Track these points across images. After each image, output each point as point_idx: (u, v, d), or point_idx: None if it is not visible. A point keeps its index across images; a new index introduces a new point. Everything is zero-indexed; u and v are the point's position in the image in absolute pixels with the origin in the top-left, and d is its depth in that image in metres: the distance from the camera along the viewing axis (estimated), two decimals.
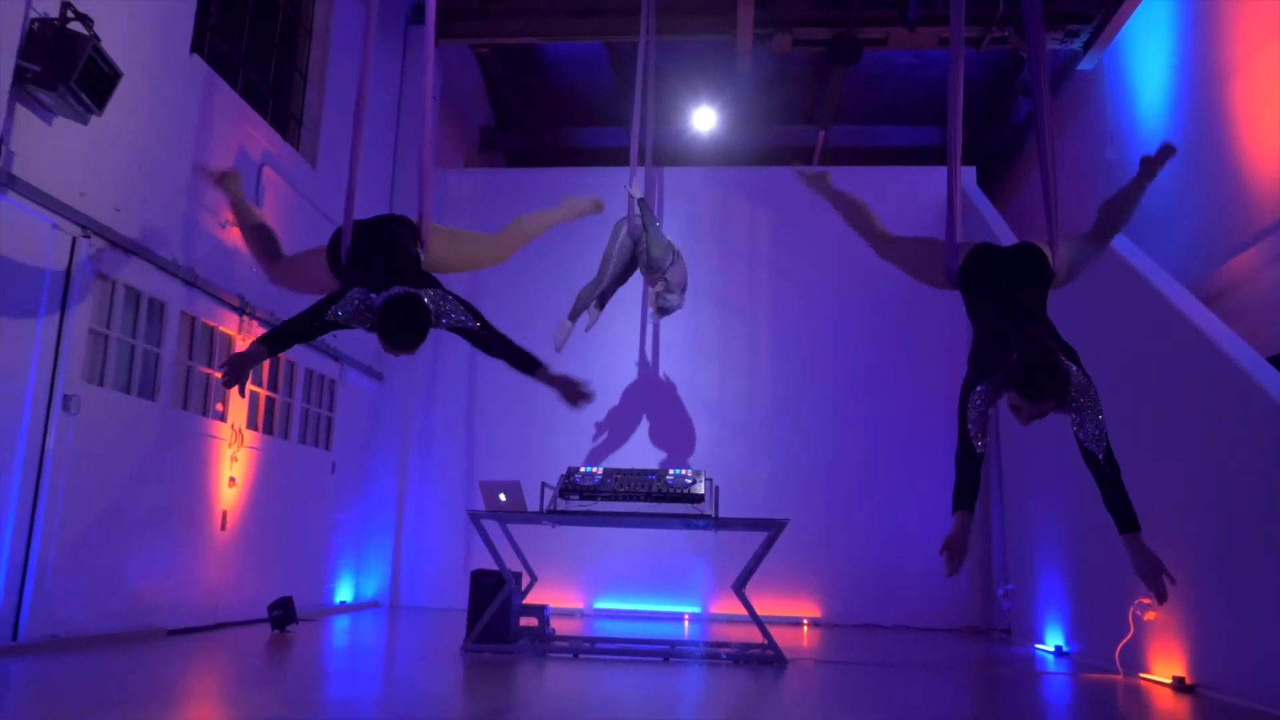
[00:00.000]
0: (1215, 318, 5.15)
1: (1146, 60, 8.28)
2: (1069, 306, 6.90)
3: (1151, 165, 3.99)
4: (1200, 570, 4.88)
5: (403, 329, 3.64)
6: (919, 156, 12.15)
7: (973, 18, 8.47)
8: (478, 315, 3.93)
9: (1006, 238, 8.40)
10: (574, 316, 7.33)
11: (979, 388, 3.40)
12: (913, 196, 8.93)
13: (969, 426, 3.39)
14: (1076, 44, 8.56)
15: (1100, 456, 3.35)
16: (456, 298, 3.91)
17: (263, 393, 7.29)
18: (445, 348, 9.63)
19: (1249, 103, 6.86)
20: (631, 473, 6.40)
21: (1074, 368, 3.35)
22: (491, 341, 3.94)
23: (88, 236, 5.25)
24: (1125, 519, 3.34)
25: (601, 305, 7.42)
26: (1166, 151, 3.99)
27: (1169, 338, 5.33)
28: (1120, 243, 6.12)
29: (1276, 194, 6.45)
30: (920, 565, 8.73)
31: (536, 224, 4.70)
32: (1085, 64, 8.79)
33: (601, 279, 7.27)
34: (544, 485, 6.24)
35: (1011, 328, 3.38)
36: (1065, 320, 6.73)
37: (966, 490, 3.38)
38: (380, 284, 3.73)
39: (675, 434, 9.15)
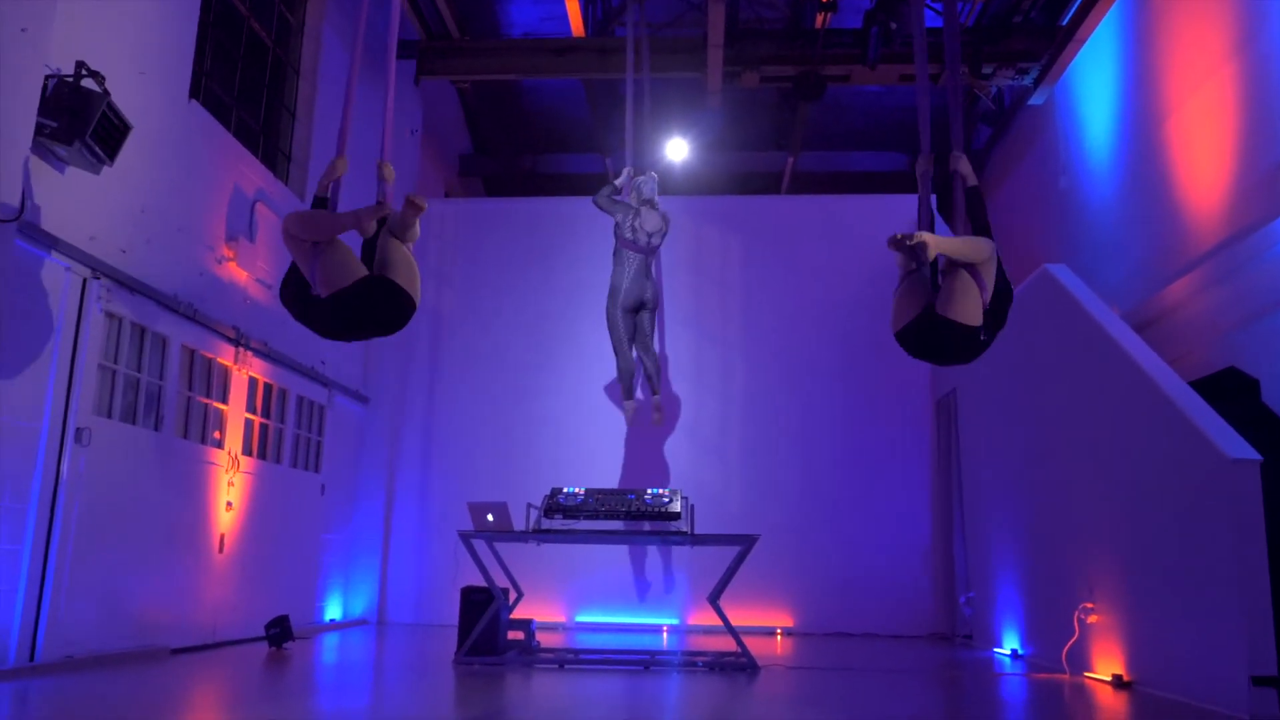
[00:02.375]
0: (1143, 343, 5.60)
1: (1093, 96, 8.80)
2: (1011, 333, 7.38)
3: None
4: (1134, 578, 5.32)
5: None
6: (885, 181, 12.66)
7: (930, 55, 8.94)
8: None
9: None
10: (628, 396, 7.94)
11: None
12: (882, 223, 9.37)
13: None
14: (1027, 80, 9.06)
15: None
16: None
17: (256, 419, 7.61)
18: (429, 371, 9.98)
19: (1184, 139, 7.37)
20: (612, 492, 6.77)
21: None
22: None
23: (98, 278, 5.57)
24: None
25: (629, 395, 7.96)
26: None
27: (1102, 362, 5.77)
28: (1059, 271, 6.59)
29: (1210, 225, 6.95)
30: (887, 576, 9.18)
31: None
32: (1036, 99, 9.30)
33: (621, 354, 7.78)
34: (529, 505, 6.59)
35: None
36: (1006, 349, 7.23)
37: None
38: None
39: (654, 454, 9.53)
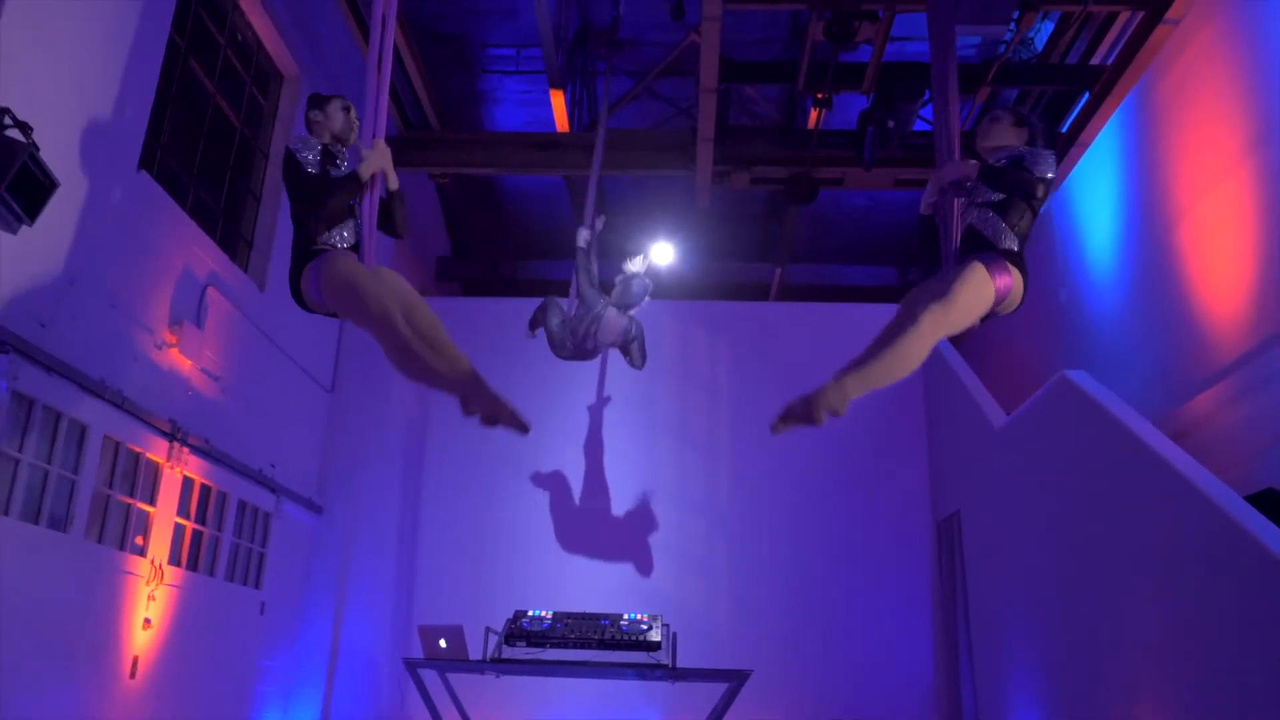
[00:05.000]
0: (1182, 450, 5.01)
1: (1097, 201, 8.47)
2: (1024, 447, 6.80)
3: None
4: (1181, 708, 4.56)
5: None
6: (876, 295, 12.28)
7: (927, 158, 8.66)
8: None
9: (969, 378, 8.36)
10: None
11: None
12: (873, 333, 8.87)
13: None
14: None
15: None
16: None
17: (189, 525, 6.82)
18: (391, 479, 9.22)
19: (1198, 245, 6.97)
20: (584, 617, 6.01)
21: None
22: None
23: (5, 351, 4.90)
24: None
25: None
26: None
27: (1137, 472, 5.15)
28: (1079, 377, 6.05)
29: (1232, 334, 6.47)
30: (889, 715, 8.28)
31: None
32: None
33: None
34: (488, 630, 5.80)
35: None
36: (1019, 465, 6.55)
37: None
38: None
39: (630, 573, 8.73)
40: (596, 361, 7.11)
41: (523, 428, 3.73)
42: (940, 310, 3.72)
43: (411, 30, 9.01)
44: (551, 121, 9.93)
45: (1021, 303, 4.07)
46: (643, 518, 8.99)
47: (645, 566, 8.74)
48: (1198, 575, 4.59)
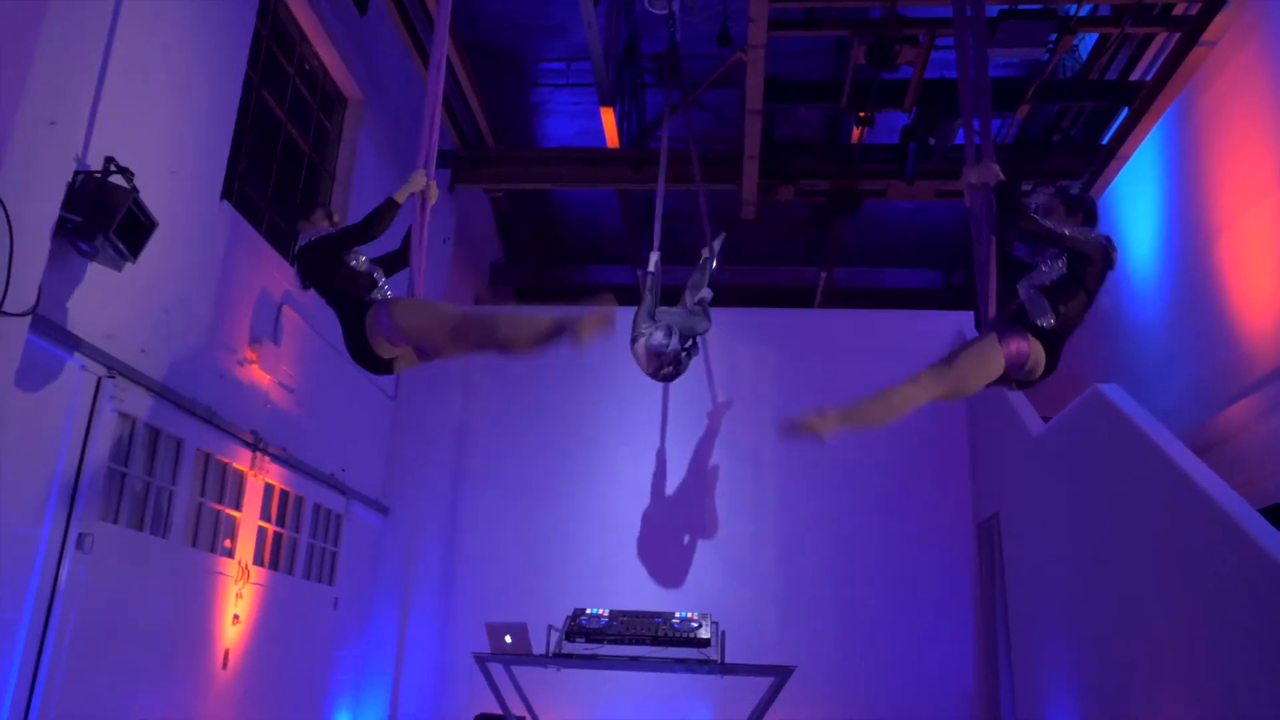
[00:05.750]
0: (1208, 469, 5.23)
1: (1136, 213, 8.62)
2: (1060, 455, 7.03)
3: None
4: (1201, 715, 4.82)
5: None
6: (920, 299, 12.49)
7: (959, 172, 8.86)
8: None
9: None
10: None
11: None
12: (917, 339, 9.13)
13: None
14: None
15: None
16: None
17: (270, 528, 7.32)
18: (452, 482, 9.69)
19: (1238, 258, 7.13)
20: (638, 615, 6.39)
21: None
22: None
23: (113, 377, 5.39)
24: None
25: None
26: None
27: (1164, 488, 5.39)
28: (1112, 390, 6.27)
29: (1269, 347, 6.64)
30: (929, 713, 8.56)
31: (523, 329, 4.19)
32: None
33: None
34: (550, 627, 6.21)
35: None
36: (1055, 472, 6.83)
37: None
38: None
39: (683, 572, 9.10)
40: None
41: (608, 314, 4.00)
42: (940, 369, 3.96)
43: (466, 48, 9.43)
44: (600, 131, 10.30)
45: (1045, 375, 4.14)
46: (691, 520, 9.36)
47: (696, 569, 9.11)
48: (1215, 587, 4.84)
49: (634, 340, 7.03)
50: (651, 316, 7.08)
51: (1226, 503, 4.83)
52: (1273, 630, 4.30)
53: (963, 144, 8.34)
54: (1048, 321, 4.08)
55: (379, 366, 4.57)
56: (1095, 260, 4.07)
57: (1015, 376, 4.18)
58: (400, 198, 4.56)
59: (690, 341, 7.09)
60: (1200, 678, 4.94)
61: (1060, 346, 4.17)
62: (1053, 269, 4.13)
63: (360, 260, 4.66)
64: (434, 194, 4.63)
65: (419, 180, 4.60)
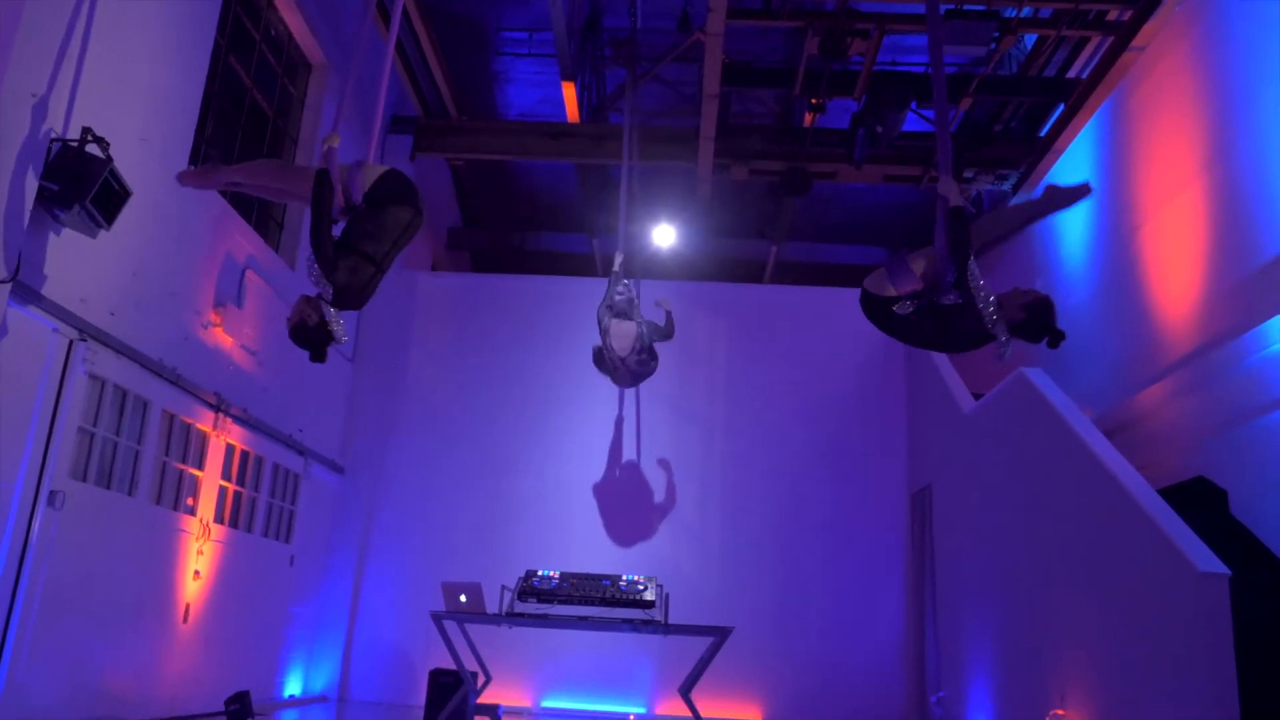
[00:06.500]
0: (1115, 450, 5.68)
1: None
2: (987, 433, 7.49)
3: (1059, 198, 4.26)
4: (1106, 685, 5.32)
5: None
6: (865, 274, 12.87)
7: (913, 158, 9.25)
8: None
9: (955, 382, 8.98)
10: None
11: None
12: (858, 314, 9.50)
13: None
14: (1006, 185, 9.34)
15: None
16: None
17: (231, 487, 7.54)
18: (408, 443, 9.94)
19: (1157, 249, 7.60)
20: (587, 577, 6.74)
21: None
22: None
23: (84, 340, 5.56)
24: None
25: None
26: (1081, 192, 4.22)
27: (1076, 467, 5.85)
28: (1034, 374, 6.72)
29: (1181, 334, 7.13)
30: (860, 671, 9.11)
31: None
32: (1015, 202, 9.59)
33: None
34: (504, 588, 6.53)
35: None
36: (982, 448, 7.29)
37: None
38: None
39: (630, 536, 9.49)
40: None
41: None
42: None
43: (430, 16, 9.51)
44: (561, 101, 10.47)
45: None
46: (642, 485, 9.74)
47: (644, 531, 9.51)
48: (1117, 559, 5.32)
49: (603, 331, 7.33)
50: (610, 308, 7.38)
51: (1129, 482, 5.29)
52: (1165, 599, 4.78)
53: (909, 132, 8.73)
54: (904, 309, 4.43)
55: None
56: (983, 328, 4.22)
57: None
58: (322, 162, 4.37)
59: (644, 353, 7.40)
60: (1101, 640, 5.43)
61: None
62: (955, 296, 4.27)
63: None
64: (334, 140, 4.41)
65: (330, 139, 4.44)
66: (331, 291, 4.24)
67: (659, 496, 9.71)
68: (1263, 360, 6.03)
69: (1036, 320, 4.15)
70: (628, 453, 9.85)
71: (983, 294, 4.14)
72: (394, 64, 9.39)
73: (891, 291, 4.49)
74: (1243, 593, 4.57)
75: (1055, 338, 4.19)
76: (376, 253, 4.33)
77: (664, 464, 9.68)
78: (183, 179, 5.39)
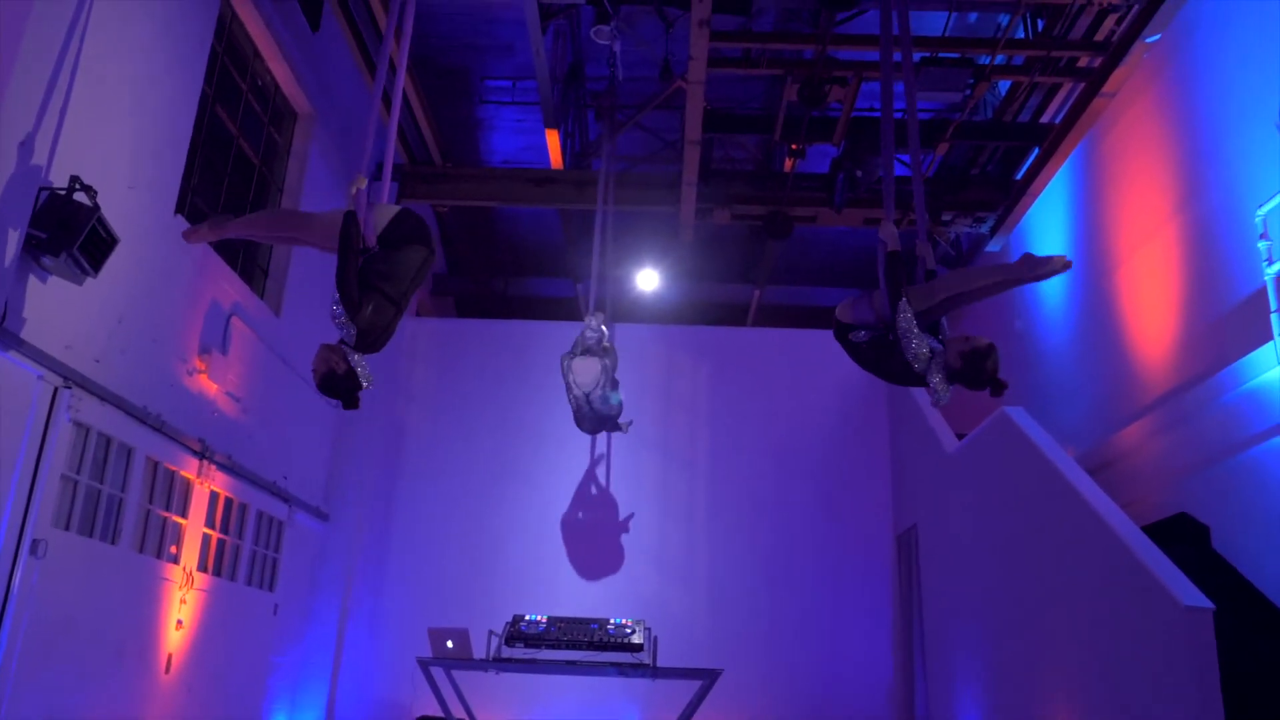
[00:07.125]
0: (1098, 488, 5.74)
1: (1046, 246, 9.23)
2: (971, 472, 7.54)
3: (1039, 268, 4.39)
4: (1090, 718, 5.32)
5: None
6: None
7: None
8: None
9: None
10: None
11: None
12: (844, 358, 9.59)
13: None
14: (984, 228, 9.50)
15: None
16: None
17: (215, 535, 7.47)
18: (392, 489, 9.89)
19: (1133, 289, 7.74)
20: (575, 621, 6.72)
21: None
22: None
23: (69, 387, 5.55)
24: None
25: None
26: (1058, 265, 4.38)
27: (1060, 505, 5.90)
28: (1016, 414, 6.79)
29: (1159, 373, 7.24)
30: (849, 713, 9.04)
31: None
32: (993, 245, 9.73)
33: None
34: (490, 633, 6.50)
35: None
36: (966, 488, 7.34)
37: None
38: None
39: (617, 579, 9.45)
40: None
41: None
42: None
43: (415, 64, 9.66)
44: (544, 146, 10.61)
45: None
46: (629, 528, 9.72)
47: (631, 573, 9.48)
48: (1102, 596, 5.35)
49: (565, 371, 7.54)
50: (578, 345, 7.59)
51: (1112, 520, 5.34)
52: (1151, 634, 4.81)
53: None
54: (859, 336, 4.79)
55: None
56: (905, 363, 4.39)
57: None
58: (350, 204, 4.48)
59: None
60: (1088, 675, 5.44)
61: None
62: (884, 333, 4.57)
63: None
64: (361, 182, 4.58)
65: (358, 182, 4.60)
66: (354, 335, 4.24)
67: (647, 539, 9.69)
68: (1239, 397, 6.13)
69: (972, 369, 4.18)
70: (614, 495, 9.84)
71: (911, 337, 4.27)
72: (379, 113, 9.53)
73: (850, 319, 4.80)
74: (1227, 626, 4.61)
75: (996, 388, 4.20)
76: (395, 293, 4.36)
77: (635, 516, 9.71)
78: (191, 237, 5.27)
